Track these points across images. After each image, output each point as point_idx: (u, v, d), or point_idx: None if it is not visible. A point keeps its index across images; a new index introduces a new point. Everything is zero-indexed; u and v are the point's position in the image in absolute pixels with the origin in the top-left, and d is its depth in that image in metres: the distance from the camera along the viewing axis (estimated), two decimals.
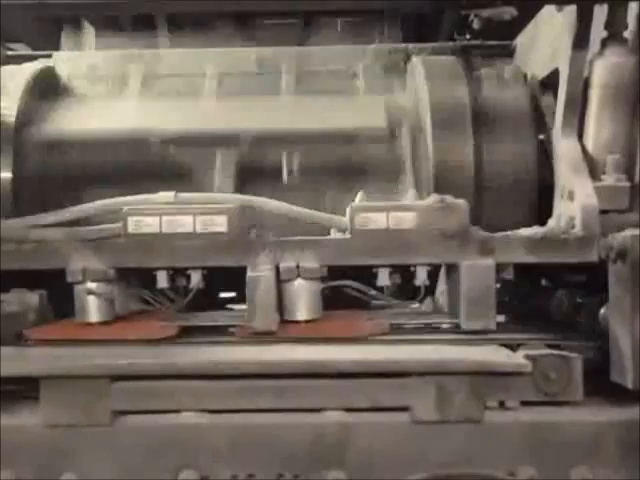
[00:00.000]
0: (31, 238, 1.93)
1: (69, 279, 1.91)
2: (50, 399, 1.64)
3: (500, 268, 1.89)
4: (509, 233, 1.92)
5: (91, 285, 1.91)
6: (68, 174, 2.26)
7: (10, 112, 2.26)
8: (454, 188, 2.01)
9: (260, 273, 1.84)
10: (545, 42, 2.26)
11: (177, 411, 1.65)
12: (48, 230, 1.97)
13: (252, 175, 2.24)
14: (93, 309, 1.94)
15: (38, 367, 1.65)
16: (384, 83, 2.50)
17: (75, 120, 2.35)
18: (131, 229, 1.91)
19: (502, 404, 1.66)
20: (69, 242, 1.92)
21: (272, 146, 2.26)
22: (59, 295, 2.03)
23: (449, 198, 1.90)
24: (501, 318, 1.93)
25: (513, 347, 1.78)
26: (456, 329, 1.90)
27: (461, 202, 1.90)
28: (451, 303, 2.01)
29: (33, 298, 2.02)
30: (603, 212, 1.89)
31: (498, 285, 1.91)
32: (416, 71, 2.36)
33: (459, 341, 1.84)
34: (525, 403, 1.66)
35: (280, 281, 1.88)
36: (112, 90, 2.54)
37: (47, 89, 2.43)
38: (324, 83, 2.50)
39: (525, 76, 2.38)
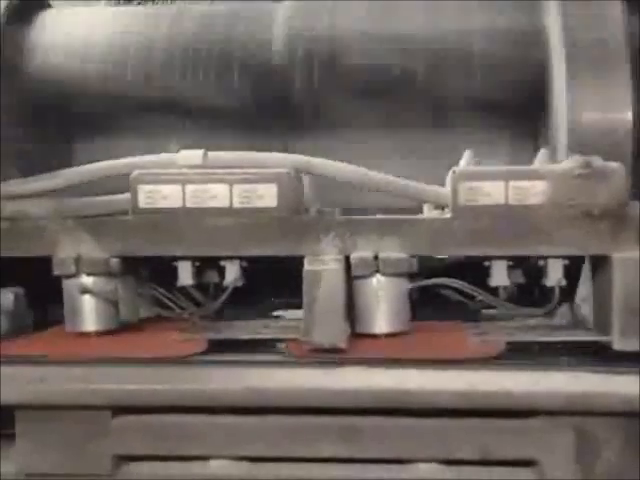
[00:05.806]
0: (5, 213, 1.95)
1: (56, 271, 1.93)
2: (30, 438, 1.67)
3: None
4: None
5: (87, 280, 1.93)
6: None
7: None
8: (601, 147, 2.01)
9: (323, 266, 1.84)
10: None
11: (205, 458, 1.67)
12: (29, 202, 1.99)
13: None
14: (89, 314, 1.96)
15: (12, 394, 1.66)
16: None
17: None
18: (143, 203, 1.91)
19: None
20: (57, 220, 1.94)
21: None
22: (42, 294, 2.05)
23: (597, 160, 1.88)
24: None
25: None
26: (606, 350, 1.88)
27: (616, 166, 1.88)
28: (598, 313, 1.99)
29: (6, 298, 2.05)
30: None
31: None
32: None
33: (610, 367, 1.81)
34: None
35: (351, 278, 1.88)
36: None
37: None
38: None
39: None
